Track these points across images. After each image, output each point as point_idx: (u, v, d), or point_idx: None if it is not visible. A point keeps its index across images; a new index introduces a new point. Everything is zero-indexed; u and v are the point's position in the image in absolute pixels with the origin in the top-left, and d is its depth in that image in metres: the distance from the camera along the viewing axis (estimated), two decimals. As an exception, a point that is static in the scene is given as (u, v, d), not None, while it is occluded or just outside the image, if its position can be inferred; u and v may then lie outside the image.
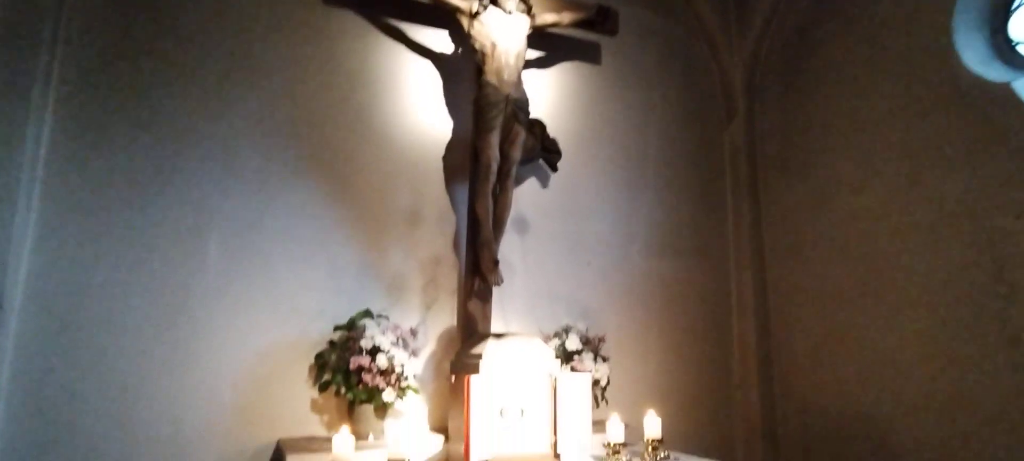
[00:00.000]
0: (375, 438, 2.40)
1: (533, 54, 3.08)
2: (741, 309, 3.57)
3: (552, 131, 3.08)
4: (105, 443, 2.19)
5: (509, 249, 2.97)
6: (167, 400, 2.29)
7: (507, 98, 2.68)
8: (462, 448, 2.10)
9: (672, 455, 2.50)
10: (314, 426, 2.50)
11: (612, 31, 3.18)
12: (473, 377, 2.11)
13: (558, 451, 2.24)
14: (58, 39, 2.30)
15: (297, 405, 2.48)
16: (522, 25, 2.84)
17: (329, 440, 1.97)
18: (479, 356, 2.23)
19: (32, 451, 2.10)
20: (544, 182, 3.20)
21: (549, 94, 3.24)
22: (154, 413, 2.26)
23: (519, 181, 3.02)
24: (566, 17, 3.03)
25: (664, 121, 3.55)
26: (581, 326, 2.93)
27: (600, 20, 3.09)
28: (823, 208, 3.29)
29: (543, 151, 3.02)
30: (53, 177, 2.25)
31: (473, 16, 2.74)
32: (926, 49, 2.84)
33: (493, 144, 2.64)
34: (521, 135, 2.72)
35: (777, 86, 3.62)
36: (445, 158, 2.95)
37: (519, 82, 2.78)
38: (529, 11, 2.87)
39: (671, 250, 3.46)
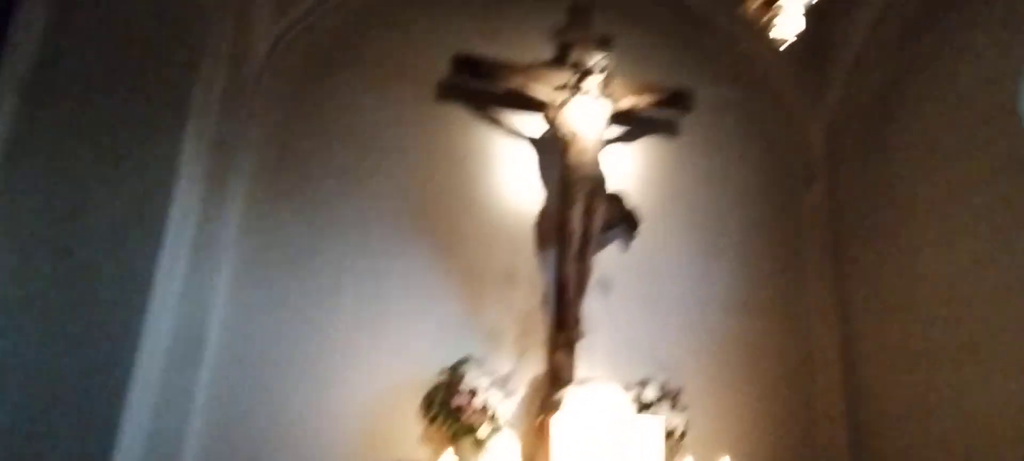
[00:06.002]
0: (473, 467, 2.81)
1: (615, 130, 3.48)
2: (824, 369, 3.60)
3: (632, 199, 3.44)
4: (277, 447, 2.85)
5: (595, 304, 3.31)
6: (315, 420, 2.91)
7: (586, 177, 3.12)
8: (545, 481, 2.45)
9: (742, 503, 2.66)
10: (424, 454, 2.97)
11: (687, 109, 3.51)
12: (553, 418, 2.46)
13: (630, 490, 2.52)
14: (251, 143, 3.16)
15: (410, 434, 2.97)
16: (604, 109, 3.27)
17: (437, 464, 2.41)
18: (561, 400, 2.59)
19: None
20: (626, 245, 3.53)
21: (629, 166, 3.61)
22: (306, 430, 2.90)
23: (604, 244, 3.39)
24: (644, 99, 3.41)
25: (742, 188, 3.76)
26: (659, 377, 3.17)
27: (676, 101, 3.45)
28: (909, 270, 3.29)
29: (622, 221, 3.38)
30: (244, 248, 3.03)
31: (558, 107, 3.22)
32: (1005, 109, 2.87)
33: (575, 217, 3.06)
34: (600, 209, 3.13)
35: (857, 150, 3.70)
36: (537, 225, 3.40)
37: (597, 161, 3.19)
38: (611, 95, 3.30)
39: (748, 310, 3.61)
